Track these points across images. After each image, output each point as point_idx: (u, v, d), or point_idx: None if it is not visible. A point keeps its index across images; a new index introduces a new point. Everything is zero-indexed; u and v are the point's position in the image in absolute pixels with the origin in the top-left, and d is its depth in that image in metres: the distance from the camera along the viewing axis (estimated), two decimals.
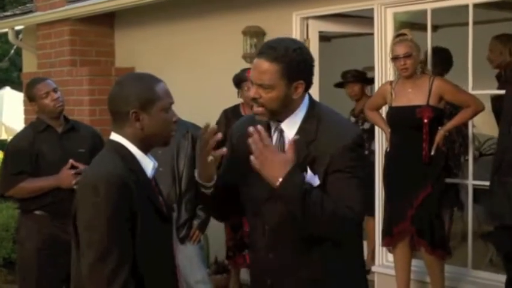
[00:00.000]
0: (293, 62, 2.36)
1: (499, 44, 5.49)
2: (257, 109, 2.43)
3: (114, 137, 2.30)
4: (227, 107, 5.35)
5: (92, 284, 2.12)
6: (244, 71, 5.16)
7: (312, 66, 2.46)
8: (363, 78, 6.09)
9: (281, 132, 2.48)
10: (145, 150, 2.31)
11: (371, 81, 5.76)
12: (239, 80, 5.20)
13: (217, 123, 5.19)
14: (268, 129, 2.51)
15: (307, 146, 2.40)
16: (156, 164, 2.37)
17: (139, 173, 2.24)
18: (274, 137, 2.50)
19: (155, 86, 2.30)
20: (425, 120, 4.41)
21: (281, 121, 2.47)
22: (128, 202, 2.14)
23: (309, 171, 2.38)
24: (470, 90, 4.82)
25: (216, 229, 5.32)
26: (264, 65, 2.37)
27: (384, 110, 4.91)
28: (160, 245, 2.26)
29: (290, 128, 2.46)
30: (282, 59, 2.35)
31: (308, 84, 2.45)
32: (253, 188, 2.51)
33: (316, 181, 2.38)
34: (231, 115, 5.25)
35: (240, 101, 5.29)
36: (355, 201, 2.36)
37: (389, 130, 4.65)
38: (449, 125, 4.62)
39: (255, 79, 2.41)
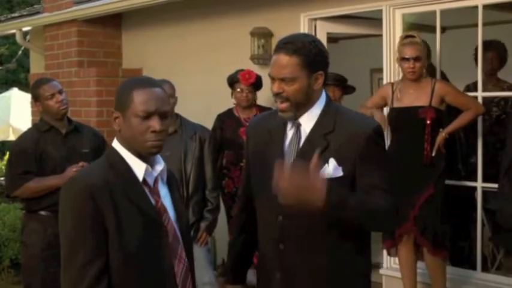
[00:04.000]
0: (311, 53, 2.42)
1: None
2: (281, 105, 2.46)
3: (114, 142, 2.31)
4: (221, 112, 5.37)
5: (64, 280, 2.18)
6: (238, 72, 5.17)
7: (327, 57, 2.51)
8: (344, 84, 5.91)
9: (298, 126, 2.51)
10: (137, 155, 2.27)
11: (351, 89, 5.66)
12: (232, 81, 5.21)
13: (213, 128, 5.20)
14: (284, 124, 2.54)
15: (325, 137, 2.44)
16: (160, 168, 2.33)
17: (127, 177, 2.24)
18: (291, 132, 2.52)
19: (135, 90, 2.22)
20: (428, 121, 4.40)
21: (298, 117, 2.49)
22: (96, 210, 2.14)
23: (331, 162, 2.41)
24: (480, 92, 4.81)
25: (223, 231, 5.31)
26: (284, 59, 2.41)
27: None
28: (146, 247, 2.22)
29: (307, 122, 2.49)
30: (300, 51, 2.40)
31: (326, 75, 2.49)
32: (267, 179, 2.51)
33: (339, 172, 2.41)
34: (224, 118, 5.29)
35: (232, 101, 5.29)
36: (388, 194, 2.42)
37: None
38: (451, 127, 4.60)
39: (276, 74, 2.44)
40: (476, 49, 5.44)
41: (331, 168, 2.41)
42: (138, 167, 2.26)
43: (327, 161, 2.41)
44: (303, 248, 2.48)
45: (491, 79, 5.36)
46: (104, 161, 2.29)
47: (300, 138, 2.50)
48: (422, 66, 4.50)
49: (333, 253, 2.46)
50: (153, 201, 2.28)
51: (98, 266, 2.13)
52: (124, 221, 2.18)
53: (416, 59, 4.45)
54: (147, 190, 2.28)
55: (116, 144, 2.30)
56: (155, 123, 2.22)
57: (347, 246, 2.47)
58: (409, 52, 4.46)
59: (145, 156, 2.27)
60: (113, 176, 2.22)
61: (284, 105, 2.45)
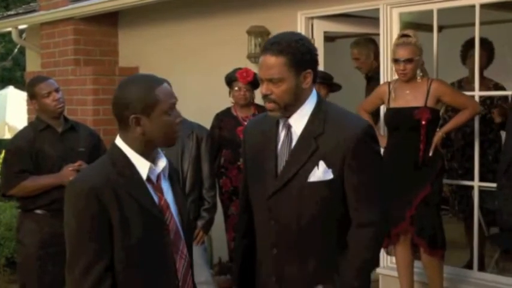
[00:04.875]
0: (298, 52, 2.40)
1: (362, 50, 5.70)
2: (269, 105, 2.45)
3: (117, 140, 2.31)
4: (219, 111, 5.36)
5: (68, 282, 2.20)
6: (235, 70, 5.15)
7: (316, 55, 2.49)
8: (330, 82, 5.86)
9: (289, 127, 2.50)
10: (146, 152, 2.29)
11: (337, 87, 5.66)
12: (230, 80, 5.19)
13: (212, 127, 5.19)
14: (277, 125, 2.53)
15: (315, 140, 2.42)
16: (162, 164, 2.34)
17: (130, 176, 2.24)
18: (283, 133, 2.51)
19: (155, 88, 2.25)
20: (423, 122, 4.39)
21: (289, 116, 2.48)
22: (101, 209, 2.15)
23: (321, 166, 2.40)
24: (476, 92, 4.80)
25: (220, 230, 5.31)
26: (271, 59, 2.40)
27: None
28: (148, 245, 2.24)
29: (298, 123, 2.48)
30: (286, 50, 2.39)
31: (315, 73, 2.47)
32: (260, 182, 2.53)
33: (329, 175, 2.40)
34: (222, 117, 5.27)
35: (230, 100, 5.28)
36: (374, 210, 2.43)
37: (381, 134, 4.65)
38: (447, 126, 4.60)
39: (263, 75, 2.43)
40: (463, 47, 5.44)
41: (321, 171, 2.40)
42: (142, 166, 2.27)
43: (316, 164, 2.40)
44: (294, 253, 2.47)
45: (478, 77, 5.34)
46: (107, 160, 2.29)
47: (291, 139, 2.49)
48: (414, 68, 4.46)
49: (326, 257, 2.46)
50: (156, 199, 2.29)
51: (100, 267, 2.15)
52: (128, 219, 2.19)
53: (407, 61, 4.41)
54: (150, 187, 2.29)
55: (119, 143, 2.29)
56: (178, 114, 2.32)
57: (340, 249, 2.46)
58: (400, 53, 4.44)
59: (149, 154, 2.29)
60: (116, 175, 2.22)
61: (271, 105, 2.45)
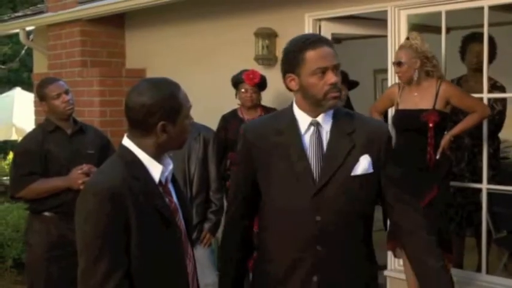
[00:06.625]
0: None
1: None
2: (337, 93, 2.48)
3: (126, 142, 2.28)
4: (225, 112, 5.36)
5: None
6: (242, 72, 5.15)
7: None
8: (348, 79, 5.73)
9: (317, 125, 2.51)
10: (157, 155, 2.27)
11: (355, 84, 5.61)
12: (236, 81, 5.19)
13: (218, 129, 5.18)
14: (294, 123, 2.53)
15: (350, 136, 2.48)
16: (170, 167, 2.34)
17: (144, 179, 2.23)
18: (310, 131, 2.51)
19: (178, 93, 2.25)
20: (431, 125, 4.37)
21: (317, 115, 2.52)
22: (119, 212, 2.11)
23: (361, 160, 2.47)
24: (485, 94, 4.78)
25: None
26: (330, 50, 2.48)
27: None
28: (164, 248, 2.23)
29: (325, 121, 2.51)
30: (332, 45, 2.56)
31: None
32: (291, 183, 2.48)
33: (370, 169, 2.48)
34: (229, 119, 5.27)
35: (237, 102, 5.28)
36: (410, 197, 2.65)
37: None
38: (456, 129, 4.55)
39: (333, 62, 2.46)
40: (462, 42, 5.38)
41: (366, 164, 2.47)
42: (155, 168, 2.26)
43: (357, 160, 2.45)
44: (342, 249, 2.46)
45: (475, 74, 5.15)
46: (118, 162, 2.25)
47: (321, 138, 2.48)
48: (408, 71, 4.44)
49: (368, 252, 2.56)
50: (167, 201, 2.29)
51: (119, 275, 2.11)
52: (144, 222, 2.17)
53: (400, 63, 4.44)
54: (161, 190, 2.28)
55: (130, 146, 2.27)
56: (190, 116, 2.36)
57: (363, 250, 2.53)
58: (396, 56, 4.49)
59: (161, 157, 2.29)
60: (130, 177, 2.20)
61: (338, 94, 2.48)
